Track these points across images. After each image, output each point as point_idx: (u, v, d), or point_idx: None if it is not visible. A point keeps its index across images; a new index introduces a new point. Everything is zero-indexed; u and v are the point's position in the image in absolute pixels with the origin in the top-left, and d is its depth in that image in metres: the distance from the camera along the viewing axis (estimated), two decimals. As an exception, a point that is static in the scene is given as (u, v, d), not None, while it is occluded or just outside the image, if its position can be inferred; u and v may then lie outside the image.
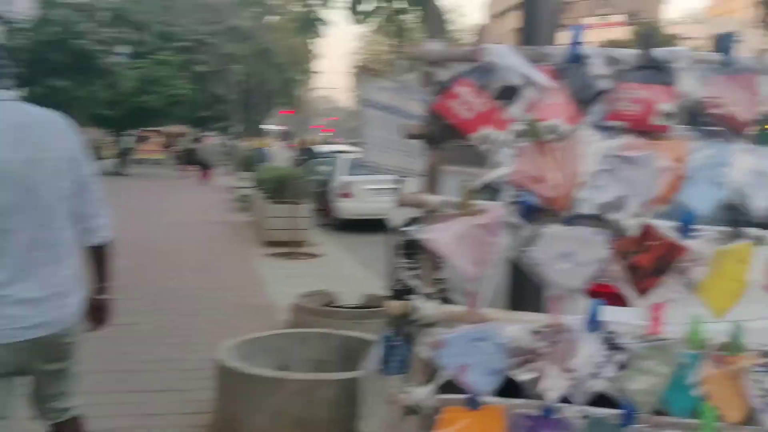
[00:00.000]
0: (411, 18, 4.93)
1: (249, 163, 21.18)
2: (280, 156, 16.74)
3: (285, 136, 17.85)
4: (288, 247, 10.24)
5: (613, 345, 2.01)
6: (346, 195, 14.05)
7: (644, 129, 2.03)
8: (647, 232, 2.01)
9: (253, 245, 11.10)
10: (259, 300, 7.40)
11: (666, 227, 2.02)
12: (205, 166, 24.64)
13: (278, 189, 11.32)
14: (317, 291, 6.68)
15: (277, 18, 44.03)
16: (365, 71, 4.82)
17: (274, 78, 37.02)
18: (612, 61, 2.05)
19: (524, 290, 3.95)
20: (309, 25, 9.74)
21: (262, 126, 44.61)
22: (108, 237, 2.65)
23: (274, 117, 43.80)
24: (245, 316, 6.74)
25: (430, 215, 2.20)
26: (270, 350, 4.43)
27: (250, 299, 7.41)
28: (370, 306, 6.32)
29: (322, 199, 15.04)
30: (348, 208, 14.05)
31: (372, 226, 14.01)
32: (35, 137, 2.34)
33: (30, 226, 2.30)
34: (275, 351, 4.46)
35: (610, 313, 2.06)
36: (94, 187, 2.58)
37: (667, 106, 1.99)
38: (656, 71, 2.01)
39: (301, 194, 10.97)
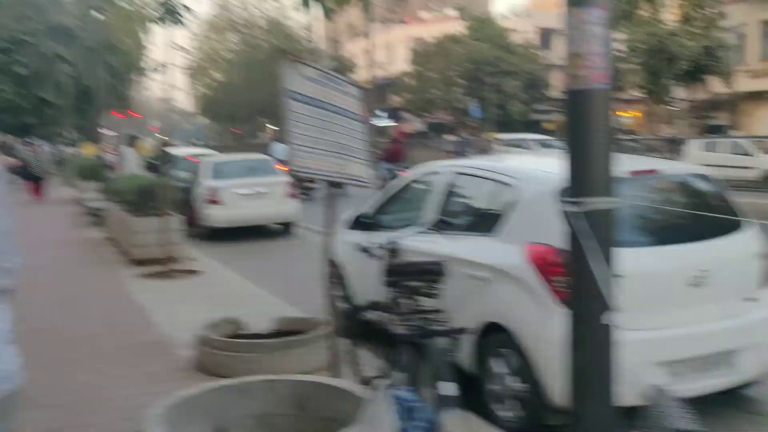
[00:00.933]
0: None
1: (93, 172, 19.27)
2: (129, 162, 15.20)
3: (132, 140, 16.25)
4: (161, 265, 9.07)
5: None
6: (213, 201, 12.91)
7: None
8: None
9: (118, 266, 9.78)
10: (148, 335, 6.30)
11: None
12: (36, 179, 21.95)
13: (140, 200, 10.07)
14: (222, 319, 5.75)
15: (104, 15, 40.99)
16: (287, 57, 3.97)
17: (106, 79, 34.46)
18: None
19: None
20: (171, 13, 8.66)
21: (97, 131, 41.46)
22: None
23: (108, 121, 40.93)
24: (138, 358, 5.64)
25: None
26: (204, 411, 3.52)
27: (137, 335, 6.28)
28: (288, 331, 5.49)
29: (186, 207, 13.79)
30: (216, 215, 12.94)
31: (242, 233, 13.06)
32: None
33: None
34: (210, 410, 3.56)
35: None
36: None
37: None
38: None
39: (167, 205, 9.79)
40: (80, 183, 19.34)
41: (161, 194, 9.65)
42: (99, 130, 40.70)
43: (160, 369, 5.35)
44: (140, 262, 9.48)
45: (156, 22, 8.85)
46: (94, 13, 37.43)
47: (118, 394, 4.79)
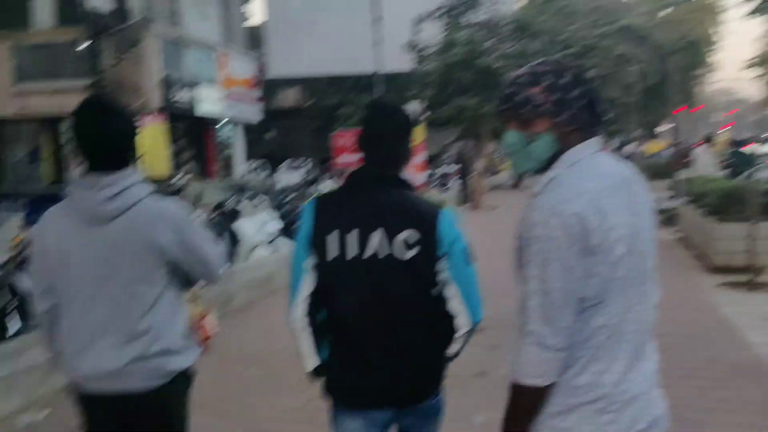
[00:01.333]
0: None
1: (661, 170, 19.23)
2: (703, 162, 14.53)
3: (707, 138, 15.46)
4: (746, 275, 8.34)
5: None
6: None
7: None
8: None
9: (695, 271, 9.38)
10: (741, 354, 5.78)
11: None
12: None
13: (724, 204, 9.44)
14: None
15: (671, 11, 40.66)
16: None
17: (671, 76, 34.17)
18: None
19: None
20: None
21: (658, 127, 41.60)
22: None
23: (671, 117, 40.66)
24: (733, 380, 5.19)
25: None
26: None
27: (727, 353, 5.83)
28: None
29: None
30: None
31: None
32: (637, 196, 1.89)
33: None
34: None
35: None
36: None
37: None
38: None
39: (756, 210, 8.94)
40: (648, 181, 19.47)
41: (749, 198, 8.89)
42: (660, 126, 40.67)
43: (763, 398, 4.82)
44: (721, 270, 8.91)
45: (751, 15, 8.09)
46: (663, 11, 37.44)
47: (724, 421, 4.47)
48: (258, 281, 8.29)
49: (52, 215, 2.48)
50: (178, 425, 2.58)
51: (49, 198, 16.87)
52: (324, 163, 27.77)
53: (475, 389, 4.98)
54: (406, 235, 2.34)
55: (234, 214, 11.29)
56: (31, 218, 18.36)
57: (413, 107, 14.59)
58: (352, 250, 2.35)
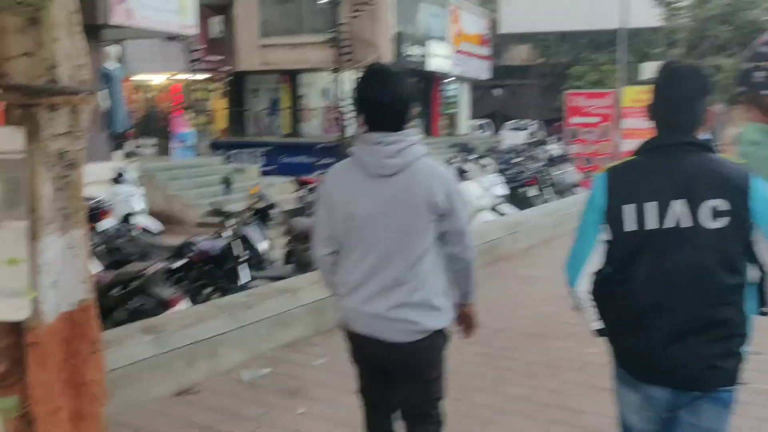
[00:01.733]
0: None
1: None
2: None
3: None
4: None
5: None
6: None
7: None
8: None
9: None
10: None
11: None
12: None
13: None
14: None
15: None
16: None
17: None
18: None
19: None
20: None
21: None
22: None
23: None
24: None
25: None
26: None
27: None
28: None
29: None
30: None
31: None
32: None
33: None
34: None
35: None
36: None
37: None
38: None
39: None
40: None
41: None
42: None
43: None
44: None
45: None
46: None
47: None
48: (480, 249, 7.88)
49: (338, 171, 2.70)
50: (435, 380, 2.74)
51: (284, 148, 17.65)
52: (551, 123, 26.64)
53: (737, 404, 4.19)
54: (714, 203, 2.21)
55: (459, 174, 10.96)
56: (266, 168, 19.40)
57: (652, 68, 13.24)
58: (651, 222, 2.26)
